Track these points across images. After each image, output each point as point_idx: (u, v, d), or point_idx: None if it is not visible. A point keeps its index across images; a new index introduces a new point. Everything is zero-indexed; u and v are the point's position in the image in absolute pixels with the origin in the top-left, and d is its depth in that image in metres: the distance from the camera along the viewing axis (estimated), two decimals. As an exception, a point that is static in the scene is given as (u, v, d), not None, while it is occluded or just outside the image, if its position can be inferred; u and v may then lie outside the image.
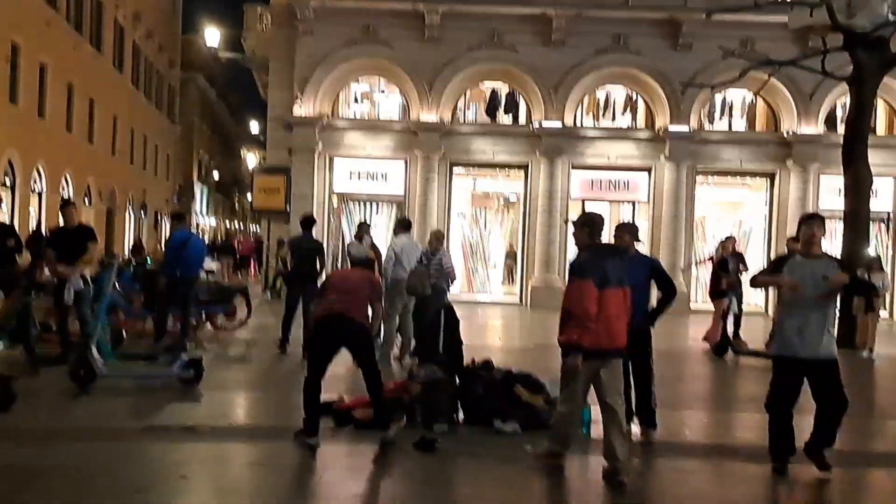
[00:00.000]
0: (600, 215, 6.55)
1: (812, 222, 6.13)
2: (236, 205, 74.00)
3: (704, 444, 7.26)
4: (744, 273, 13.62)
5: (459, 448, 6.60)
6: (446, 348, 8.50)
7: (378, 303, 7.11)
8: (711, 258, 14.94)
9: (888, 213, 20.89)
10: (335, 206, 22.53)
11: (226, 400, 8.42)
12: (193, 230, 38.29)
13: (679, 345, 14.71)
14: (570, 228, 6.44)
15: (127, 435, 6.64)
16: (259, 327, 13.92)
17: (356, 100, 23.03)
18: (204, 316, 13.16)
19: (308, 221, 12.24)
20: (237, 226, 72.65)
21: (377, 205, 22.46)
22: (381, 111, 22.82)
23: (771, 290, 16.68)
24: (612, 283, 5.76)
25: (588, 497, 5.76)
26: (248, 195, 73.80)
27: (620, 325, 5.81)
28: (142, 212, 37.33)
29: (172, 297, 11.24)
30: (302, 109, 21.53)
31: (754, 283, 6.78)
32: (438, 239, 11.12)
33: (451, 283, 10.98)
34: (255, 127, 44.63)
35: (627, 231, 7.28)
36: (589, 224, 6.19)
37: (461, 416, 7.53)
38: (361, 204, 22.51)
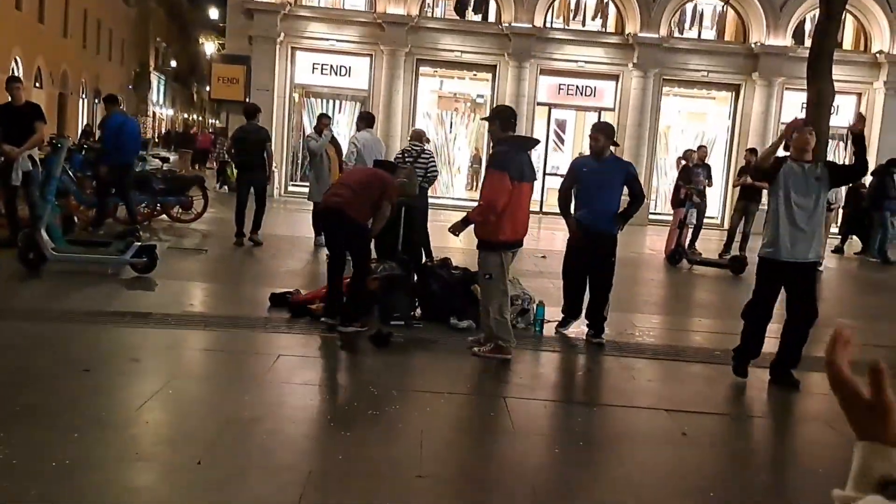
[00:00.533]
0: (511, 107, 6.98)
1: (805, 129, 6.06)
2: (195, 96, 72.22)
3: (653, 346, 7.39)
4: (709, 185, 13.73)
5: (414, 343, 6.65)
6: (405, 245, 8.48)
7: (386, 203, 6.91)
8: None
9: (846, 129, 21.00)
10: (296, 100, 22.03)
11: (180, 289, 8.35)
12: (142, 117, 37.15)
13: (634, 252, 14.88)
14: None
15: (76, 317, 6.58)
16: (215, 220, 13.76)
17: (323, -11, 22.24)
18: (159, 206, 12.96)
19: (252, 110, 12.06)
20: (195, 118, 71.10)
21: (340, 101, 21.98)
22: (346, 2, 22.10)
23: (729, 198, 16.84)
24: (525, 177, 6.18)
25: (536, 385, 5.86)
26: (207, 86, 72.12)
27: (525, 218, 6.36)
28: (95, 97, 36.22)
29: (112, 183, 11.10)
30: (264, -5, 20.75)
31: (756, 168, 6.48)
32: (423, 138, 10.90)
33: (432, 183, 10.94)
34: (214, 13, 43.01)
35: (603, 132, 7.17)
36: (499, 116, 6.42)
37: (418, 312, 7.57)
38: (324, 99, 22.02)
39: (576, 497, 3.97)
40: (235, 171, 15.99)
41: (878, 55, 20.80)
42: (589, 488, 4.12)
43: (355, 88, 21.66)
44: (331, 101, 21.96)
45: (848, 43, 21.38)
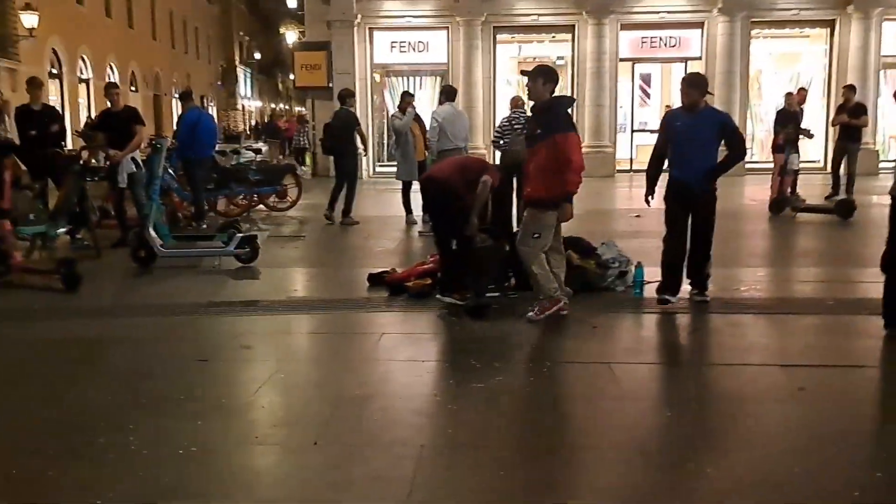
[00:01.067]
0: (552, 67, 6.83)
1: None
2: (279, 85, 73.54)
3: (761, 300, 7.19)
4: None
5: (511, 313, 6.64)
6: (496, 215, 8.46)
7: (485, 181, 6.85)
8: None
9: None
10: (377, 80, 22.19)
11: (283, 276, 8.60)
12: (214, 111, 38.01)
13: (734, 203, 14.46)
14: (525, 79, 6.46)
15: (188, 309, 6.85)
16: (310, 206, 14.04)
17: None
18: (256, 197, 13.32)
19: (343, 95, 12.33)
20: (282, 107, 72.46)
21: (420, 77, 22.04)
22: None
23: (831, 139, 16.10)
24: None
25: (640, 349, 5.80)
26: (290, 75, 73.31)
27: None
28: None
29: (199, 177, 11.49)
30: (339, -20, 20.90)
31: None
32: (519, 105, 10.82)
33: None
34: (292, 2, 43.56)
35: (692, 84, 6.70)
36: (543, 74, 6.29)
37: (513, 282, 7.55)
38: (404, 77, 22.11)
39: (690, 459, 3.92)
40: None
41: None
42: (703, 450, 4.06)
43: (434, 63, 21.67)
44: (411, 79, 22.05)
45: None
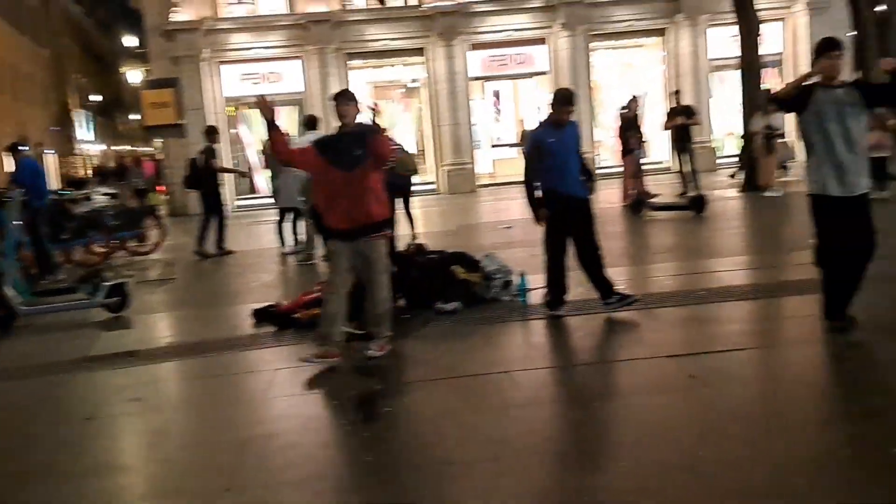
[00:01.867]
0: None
1: (832, 54, 5.45)
2: (119, 126, 70.81)
3: (639, 296, 7.48)
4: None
5: (405, 333, 6.63)
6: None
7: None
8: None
9: (777, 56, 21.40)
10: (232, 112, 21.76)
11: (160, 321, 8.25)
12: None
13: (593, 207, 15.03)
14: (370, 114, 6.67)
15: (65, 367, 6.45)
16: (173, 247, 13.55)
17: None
18: (116, 242, 12.74)
19: (207, 132, 12.30)
20: (126, 148, 69.76)
21: (275, 107, 21.67)
22: (265, 8, 21.82)
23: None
24: (334, 162, 5.79)
25: (536, 354, 5.91)
26: (132, 115, 70.67)
27: (344, 209, 5.82)
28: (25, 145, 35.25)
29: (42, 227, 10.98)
30: (181, 15, 20.41)
31: (780, 100, 5.80)
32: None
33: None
34: (131, 41, 42.24)
35: (568, 101, 6.83)
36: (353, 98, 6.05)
37: (402, 302, 7.55)
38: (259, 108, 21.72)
39: (599, 458, 4.01)
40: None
41: (795, -22, 21.21)
42: (612, 446, 4.17)
43: (290, 92, 21.45)
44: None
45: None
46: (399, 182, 10.51)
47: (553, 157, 6.77)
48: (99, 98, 53.92)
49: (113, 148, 64.52)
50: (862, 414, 4.27)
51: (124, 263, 12.32)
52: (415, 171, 11.64)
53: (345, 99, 5.83)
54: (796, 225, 11.90)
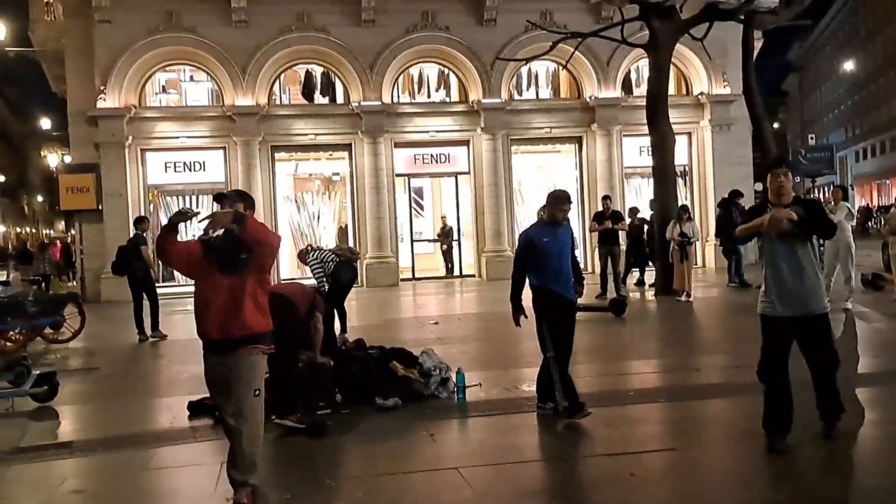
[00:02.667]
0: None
1: (779, 172, 5.55)
2: (25, 208, 68.85)
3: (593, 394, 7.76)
4: None
5: (347, 429, 6.71)
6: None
7: (318, 315, 7.28)
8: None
9: (684, 167, 22.71)
10: (151, 199, 21.62)
11: (91, 412, 8.06)
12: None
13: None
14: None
15: (-3, 460, 6.25)
16: (91, 335, 13.22)
17: (164, 89, 22.15)
18: (34, 330, 12.36)
19: (136, 221, 12.52)
20: (29, 230, 67.65)
21: (197, 196, 21.71)
22: (191, 99, 22.04)
23: (588, 243, 17.74)
24: (212, 262, 4.97)
25: (483, 451, 6.07)
26: (39, 196, 68.83)
27: (213, 315, 4.96)
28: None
29: None
30: (107, 102, 20.41)
31: (740, 240, 6.01)
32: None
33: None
34: (46, 123, 41.58)
35: (567, 201, 6.93)
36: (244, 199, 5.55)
37: (339, 398, 7.62)
38: (180, 196, 21.73)
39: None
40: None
41: (700, 97, 22.70)
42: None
43: (212, 182, 21.48)
44: (187, 198, 21.70)
45: (671, 88, 23.21)
46: (349, 276, 10.79)
47: (548, 257, 6.71)
48: (2, 179, 52.56)
49: (17, 230, 62.51)
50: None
51: (42, 352, 11.97)
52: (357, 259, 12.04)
53: (230, 201, 4.99)
54: (710, 329, 12.59)
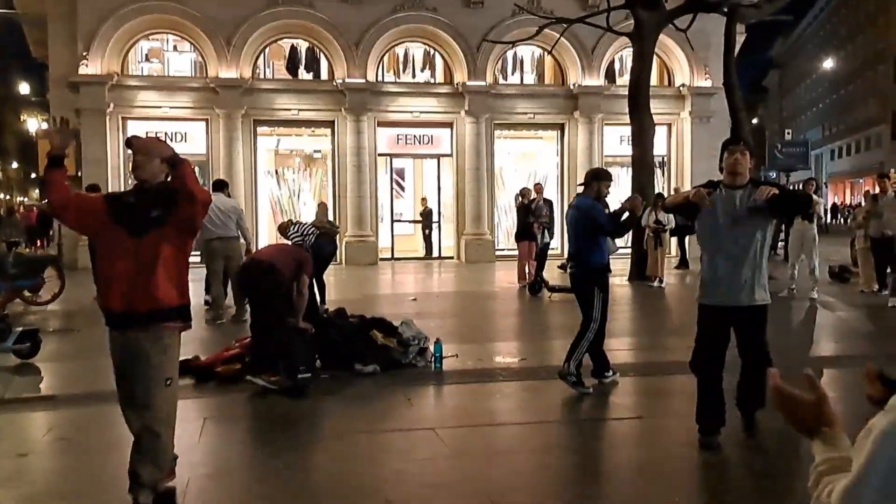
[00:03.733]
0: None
1: (736, 148, 5.35)
2: (0, 173, 68.05)
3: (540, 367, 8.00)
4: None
5: (326, 392, 6.90)
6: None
7: (304, 279, 7.36)
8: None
9: (663, 157, 23.00)
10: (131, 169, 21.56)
11: (72, 368, 8.18)
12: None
13: (494, 287, 15.68)
14: None
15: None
16: (69, 299, 13.27)
17: (147, 58, 22.07)
18: (14, 290, 12.39)
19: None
20: (2, 196, 66.88)
21: (177, 167, 21.69)
22: (174, 69, 21.98)
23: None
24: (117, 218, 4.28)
25: (461, 414, 6.28)
26: (14, 163, 67.98)
27: (119, 282, 4.25)
28: None
29: None
30: (89, 68, 20.31)
31: (670, 209, 6.31)
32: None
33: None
34: (25, 88, 41.13)
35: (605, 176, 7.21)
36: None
37: (318, 363, 7.79)
38: (160, 167, 21.69)
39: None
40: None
41: (681, 88, 22.98)
42: (532, 490, 4.60)
43: (193, 153, 21.36)
44: (168, 168, 21.67)
45: (654, 79, 23.44)
46: (330, 248, 10.99)
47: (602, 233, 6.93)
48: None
49: (-10, 195, 61.82)
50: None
51: (21, 313, 12.02)
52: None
53: (146, 148, 4.27)
54: (680, 313, 12.87)
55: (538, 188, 15.78)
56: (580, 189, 7.34)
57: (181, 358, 7.42)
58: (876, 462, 1.24)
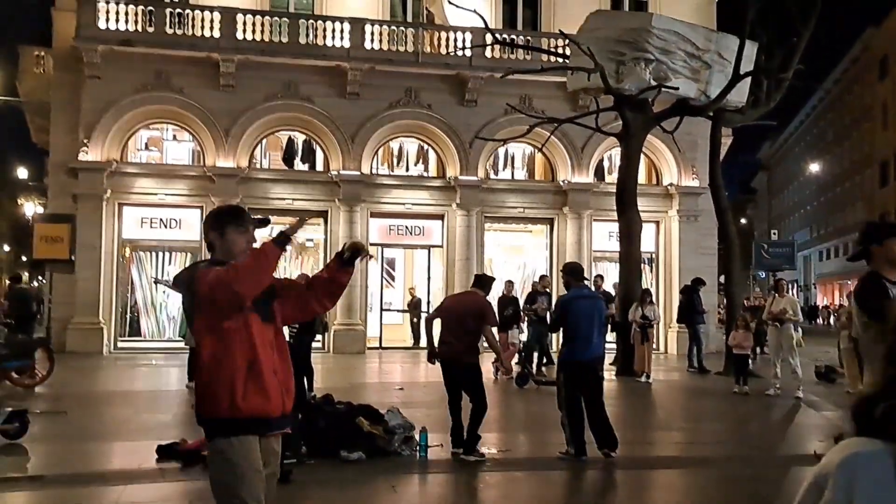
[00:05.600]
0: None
1: None
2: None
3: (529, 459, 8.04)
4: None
5: (312, 478, 6.92)
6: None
7: (488, 328, 8.09)
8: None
9: (651, 254, 23.36)
10: (127, 254, 21.80)
11: (60, 449, 8.18)
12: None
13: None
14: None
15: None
16: (60, 382, 13.25)
17: (146, 146, 22.55)
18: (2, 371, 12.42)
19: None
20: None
21: (171, 253, 21.96)
22: (172, 158, 22.44)
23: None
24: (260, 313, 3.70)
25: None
26: (6, 246, 68.15)
27: (276, 381, 3.68)
28: None
29: None
30: (88, 155, 20.74)
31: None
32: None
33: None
34: (22, 172, 41.74)
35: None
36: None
37: (304, 449, 7.82)
38: (154, 252, 21.96)
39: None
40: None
41: (669, 187, 23.54)
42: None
43: (186, 240, 21.75)
44: (161, 254, 21.93)
45: (642, 178, 24.04)
46: (310, 338, 11.20)
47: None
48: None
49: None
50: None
51: (8, 395, 11.99)
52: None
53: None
54: (666, 409, 12.94)
55: (544, 281, 16.13)
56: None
57: (167, 442, 7.55)
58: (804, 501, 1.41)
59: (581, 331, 7.77)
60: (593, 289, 15.09)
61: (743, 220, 63.04)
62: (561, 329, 7.98)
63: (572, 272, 8.23)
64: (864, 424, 1.47)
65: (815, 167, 56.97)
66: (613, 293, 17.85)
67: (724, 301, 20.55)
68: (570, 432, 7.62)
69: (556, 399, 7.76)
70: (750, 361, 14.49)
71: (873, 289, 4.47)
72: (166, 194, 21.48)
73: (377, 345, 22.13)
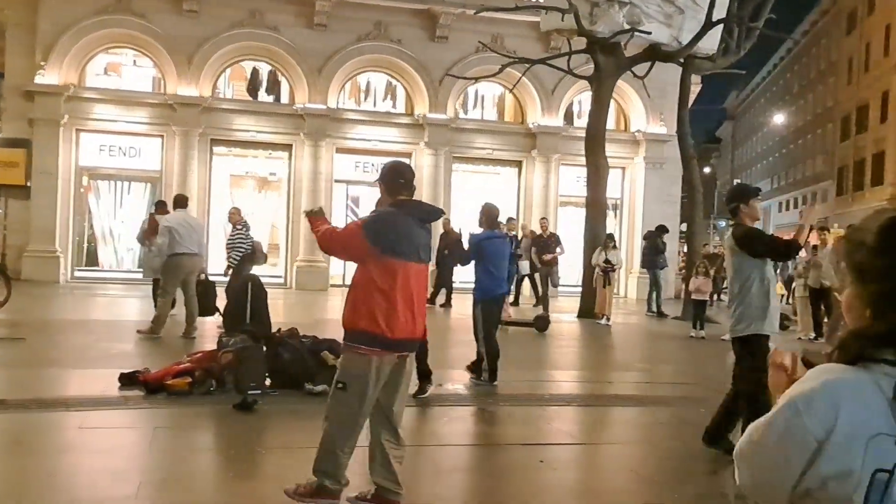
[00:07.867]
0: (401, 164, 5.20)
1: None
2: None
3: (515, 395, 8.13)
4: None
5: (277, 408, 6.93)
6: (253, 318, 8.73)
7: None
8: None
9: (616, 200, 23.48)
10: (85, 182, 21.32)
11: (22, 376, 7.99)
12: None
13: (454, 318, 15.82)
14: None
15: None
16: (16, 309, 13.02)
17: (105, 71, 21.90)
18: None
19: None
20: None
21: (129, 183, 21.54)
22: (132, 84, 21.81)
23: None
24: (406, 254, 4.63)
25: (420, 435, 6.35)
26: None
27: (412, 311, 4.64)
28: None
29: None
30: (45, 78, 20.10)
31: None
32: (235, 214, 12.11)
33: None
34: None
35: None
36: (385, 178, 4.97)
37: (268, 381, 7.82)
38: (113, 181, 21.50)
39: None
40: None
41: (636, 134, 23.58)
42: None
43: (146, 170, 21.36)
44: (120, 183, 21.50)
45: (611, 123, 24.01)
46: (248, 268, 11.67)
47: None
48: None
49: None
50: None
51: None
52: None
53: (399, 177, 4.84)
54: (624, 350, 13.16)
55: (510, 224, 16.18)
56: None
57: (130, 370, 7.47)
58: (777, 421, 1.40)
59: (500, 270, 8.57)
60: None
61: (707, 169, 63.57)
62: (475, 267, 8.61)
63: (489, 214, 8.84)
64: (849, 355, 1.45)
65: (779, 119, 57.37)
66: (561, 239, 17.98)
67: (685, 248, 20.83)
68: (489, 362, 8.39)
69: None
70: (706, 307, 14.72)
71: (756, 232, 5.94)
72: (126, 122, 20.95)
73: (340, 282, 22.07)
